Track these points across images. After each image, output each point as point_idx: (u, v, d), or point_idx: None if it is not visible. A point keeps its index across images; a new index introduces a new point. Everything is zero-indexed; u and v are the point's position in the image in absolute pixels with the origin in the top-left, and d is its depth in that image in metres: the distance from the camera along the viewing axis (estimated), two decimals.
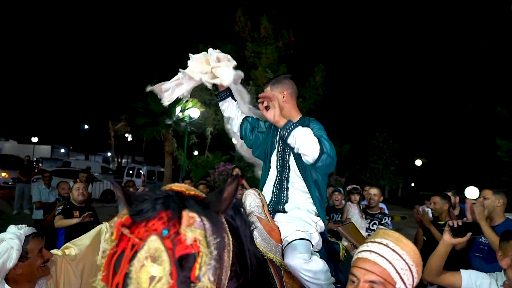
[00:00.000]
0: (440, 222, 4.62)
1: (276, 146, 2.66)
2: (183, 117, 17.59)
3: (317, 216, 2.54)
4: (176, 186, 1.28)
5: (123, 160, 45.41)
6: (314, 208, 2.55)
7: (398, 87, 26.80)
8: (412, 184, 40.25)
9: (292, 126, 2.34)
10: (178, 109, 18.01)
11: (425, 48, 26.12)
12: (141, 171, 21.68)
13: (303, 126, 2.49)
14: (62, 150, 49.63)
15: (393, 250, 1.25)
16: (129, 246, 1.09)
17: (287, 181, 2.57)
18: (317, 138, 2.33)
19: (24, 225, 2.26)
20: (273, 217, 2.46)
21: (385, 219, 5.55)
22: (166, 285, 1.01)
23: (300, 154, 2.34)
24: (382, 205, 6.35)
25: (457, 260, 4.29)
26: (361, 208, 5.95)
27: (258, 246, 2.06)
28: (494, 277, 2.48)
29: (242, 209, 1.53)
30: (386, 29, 26.20)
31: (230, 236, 1.28)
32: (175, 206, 1.15)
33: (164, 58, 29.23)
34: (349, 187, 6.65)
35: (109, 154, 46.38)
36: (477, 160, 26.72)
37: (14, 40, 29.33)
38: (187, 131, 17.51)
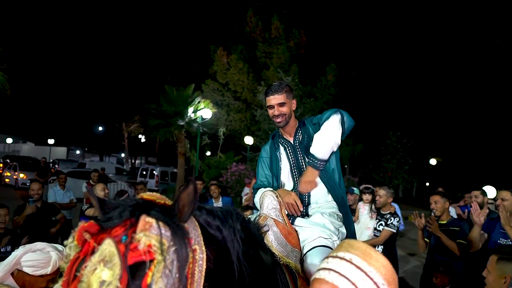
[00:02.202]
0: (441, 222, 4.58)
1: (283, 158, 2.65)
2: (196, 118, 17.69)
3: (340, 221, 2.51)
4: (147, 195, 1.26)
5: (137, 161, 45.86)
6: (337, 210, 2.53)
7: (411, 85, 26.53)
8: (427, 184, 39.79)
9: (313, 158, 2.32)
10: (191, 110, 18.13)
11: (439, 46, 25.81)
12: (154, 172, 21.88)
13: (304, 128, 2.62)
14: (78, 152, 50.38)
15: (358, 268, 1.01)
16: (89, 251, 1.09)
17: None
18: (333, 116, 2.37)
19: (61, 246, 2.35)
20: (292, 222, 2.40)
21: (391, 219, 5.44)
22: None
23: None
24: (394, 205, 6.31)
25: (474, 261, 4.26)
26: (372, 208, 5.88)
27: (273, 251, 2.04)
28: None
29: (230, 218, 1.50)
30: (398, 27, 25.97)
31: (202, 248, 1.26)
32: (139, 214, 1.13)
33: (176, 60, 29.46)
34: (361, 187, 6.61)
35: (122, 155, 46.91)
36: (493, 159, 26.29)
37: (30, 45, 29.86)
38: (200, 132, 17.61)
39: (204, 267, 1.25)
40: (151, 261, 1.05)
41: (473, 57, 24.10)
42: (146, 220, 1.11)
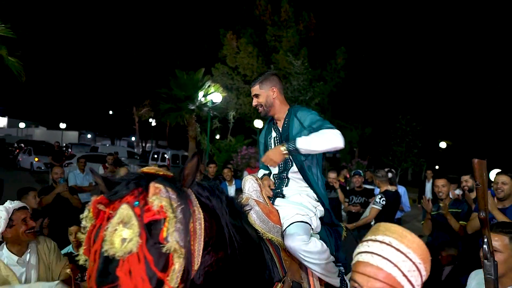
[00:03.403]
0: (442, 204, 4.78)
1: (272, 144, 2.80)
2: (206, 102, 17.88)
3: (317, 201, 2.67)
4: (147, 169, 1.48)
5: (147, 145, 46.34)
6: (314, 194, 2.67)
7: (421, 68, 26.30)
8: (436, 167, 39.70)
9: (294, 144, 2.43)
10: (201, 94, 18.30)
11: (450, 27, 25.47)
12: (165, 155, 22.21)
13: (289, 119, 2.68)
14: (89, 136, 51.02)
15: (398, 250, 1.10)
16: (105, 218, 1.24)
17: (287, 174, 2.71)
18: (326, 130, 2.46)
19: (16, 201, 2.95)
20: (273, 202, 2.59)
21: (378, 198, 5.92)
22: (136, 244, 1.16)
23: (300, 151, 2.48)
24: (401, 188, 7.15)
25: (471, 243, 4.46)
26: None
27: (256, 227, 2.23)
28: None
29: (217, 191, 1.72)
30: (408, 9, 25.63)
31: (199, 209, 1.47)
32: (144, 183, 1.33)
33: (185, 44, 29.47)
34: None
35: (133, 139, 47.39)
36: (503, 142, 26.15)
37: (42, 29, 30.04)
38: (210, 115, 17.80)
39: (203, 224, 1.48)
40: (164, 219, 1.24)
41: (484, 39, 23.78)
42: (155, 186, 1.30)
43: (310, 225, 2.48)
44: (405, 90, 26.62)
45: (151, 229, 1.22)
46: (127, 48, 32.73)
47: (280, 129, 2.77)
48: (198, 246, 1.43)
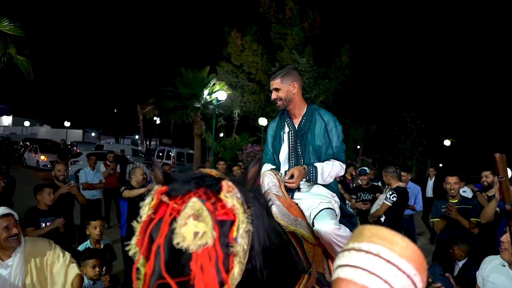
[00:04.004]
0: (453, 201, 4.83)
1: (285, 139, 2.82)
2: (211, 100, 17.91)
3: (334, 191, 2.74)
4: (206, 170, 1.40)
5: (151, 143, 46.48)
6: (331, 184, 2.75)
7: (426, 66, 26.28)
8: (441, 165, 39.69)
9: (314, 171, 2.59)
10: (206, 92, 18.35)
11: (455, 25, 25.42)
12: (170, 153, 22.27)
13: (312, 118, 2.73)
14: (93, 134, 51.16)
15: (388, 262, 0.87)
16: (168, 213, 1.17)
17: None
18: (337, 163, 2.66)
19: (0, 208, 2.93)
20: (292, 196, 2.62)
21: (388, 194, 5.92)
22: (211, 238, 1.10)
23: (315, 148, 2.68)
24: (416, 187, 7.38)
25: (485, 237, 4.51)
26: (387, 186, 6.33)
27: (279, 221, 2.19)
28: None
29: (257, 193, 1.58)
30: (413, 7, 25.59)
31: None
32: (212, 181, 1.27)
33: (190, 42, 29.52)
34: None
35: (137, 137, 47.52)
36: (508, 139, 26.10)
37: (46, 29, 30.15)
38: (215, 113, 17.85)
39: (251, 233, 1.37)
40: (235, 219, 1.19)
41: (490, 36, 23.72)
42: (229, 184, 1.26)
43: (335, 212, 2.55)
44: (410, 88, 26.61)
45: (222, 227, 1.17)
46: (132, 47, 32.82)
47: (296, 126, 2.77)
48: (246, 254, 1.34)
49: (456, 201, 4.85)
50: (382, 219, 5.91)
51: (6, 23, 10.06)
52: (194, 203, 1.15)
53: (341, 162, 2.69)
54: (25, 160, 24.05)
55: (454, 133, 30.47)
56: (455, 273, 4.18)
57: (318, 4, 23.03)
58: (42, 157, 21.88)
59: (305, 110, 2.78)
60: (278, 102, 2.73)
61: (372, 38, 25.18)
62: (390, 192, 5.88)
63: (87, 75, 36.83)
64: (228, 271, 1.17)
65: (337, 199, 2.74)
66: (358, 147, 27.29)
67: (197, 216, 1.13)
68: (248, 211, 1.27)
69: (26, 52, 11.11)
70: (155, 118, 36.23)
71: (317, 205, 2.48)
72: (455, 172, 5.24)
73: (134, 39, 32.63)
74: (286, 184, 2.58)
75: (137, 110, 38.88)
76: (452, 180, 4.88)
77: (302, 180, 2.68)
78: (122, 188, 5.64)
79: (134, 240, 1.20)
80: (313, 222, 2.41)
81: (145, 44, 32.34)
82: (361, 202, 6.93)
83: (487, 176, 5.61)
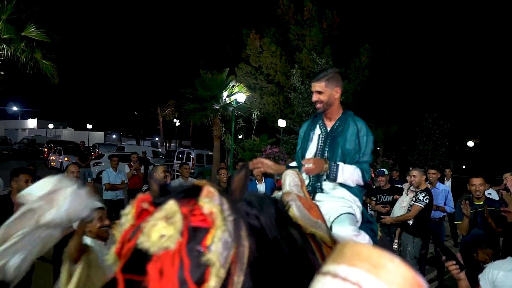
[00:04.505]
0: (478, 203, 4.75)
1: (314, 139, 2.83)
2: (230, 102, 18.03)
3: (356, 196, 2.68)
4: (198, 182, 1.32)
5: (171, 145, 47.00)
6: (355, 188, 2.70)
7: (448, 65, 25.81)
8: (464, 167, 38.90)
9: (336, 168, 2.58)
10: (225, 94, 18.48)
11: (477, 23, 24.91)
12: (190, 154, 22.49)
13: (345, 123, 2.73)
14: (114, 136, 52.10)
15: None
16: (147, 218, 1.12)
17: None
18: (359, 170, 2.63)
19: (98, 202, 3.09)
20: (313, 198, 2.58)
21: (419, 195, 5.78)
22: (175, 242, 1.03)
23: (344, 149, 2.68)
24: (446, 189, 7.01)
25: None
26: (411, 187, 6.21)
27: (299, 222, 2.10)
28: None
29: (266, 205, 1.52)
30: (435, 5, 25.19)
31: (245, 236, 1.28)
32: (197, 189, 1.21)
33: (209, 44, 29.76)
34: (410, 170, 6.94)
35: (156, 139, 48.15)
36: None
37: (69, 34, 30.90)
38: (234, 115, 17.96)
39: (246, 254, 1.28)
40: (211, 226, 1.11)
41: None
42: (209, 190, 1.19)
43: (356, 217, 2.51)
44: (432, 87, 26.17)
45: (195, 233, 1.09)
46: (152, 50, 33.29)
47: (328, 129, 2.79)
48: (238, 277, 1.21)
49: (481, 203, 4.77)
50: (410, 221, 5.81)
51: (32, 29, 10.39)
52: (170, 206, 1.11)
53: (364, 171, 2.66)
54: (49, 161, 24.67)
55: (478, 134, 29.83)
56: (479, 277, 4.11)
57: (337, 4, 22.92)
58: (66, 159, 22.41)
59: (340, 115, 2.80)
60: (318, 104, 2.74)
61: (391, 38, 24.89)
62: (424, 194, 5.75)
63: (108, 79, 37.54)
64: (200, 282, 1.06)
65: (359, 204, 2.70)
66: (378, 148, 26.99)
67: (168, 219, 1.08)
68: (231, 220, 1.18)
69: (51, 57, 11.42)
70: (174, 120, 36.63)
71: (337, 208, 2.45)
72: (479, 173, 5.15)
73: (155, 43, 33.10)
74: (303, 167, 2.55)
75: (157, 112, 39.39)
76: (477, 181, 4.80)
77: (323, 176, 2.67)
78: (145, 188, 5.75)
79: (113, 249, 1.14)
80: (331, 226, 2.37)
81: (164, 47, 32.76)
82: (380, 204, 6.87)
83: (507, 178, 5.48)
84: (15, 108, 52.90)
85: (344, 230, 2.30)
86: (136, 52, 34.13)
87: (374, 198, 7.07)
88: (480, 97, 26.23)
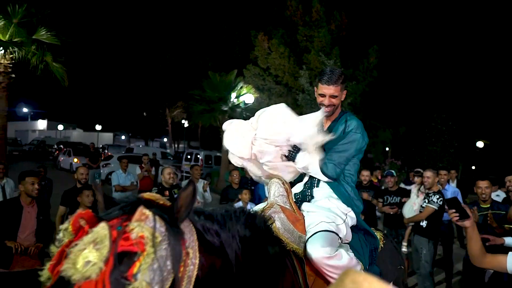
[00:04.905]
0: (485, 206, 4.72)
1: None
2: (239, 103, 18.11)
3: (350, 205, 2.45)
4: (148, 195, 1.31)
5: (180, 146, 47.21)
6: (347, 193, 2.48)
7: (457, 65, 25.62)
8: (473, 167, 38.53)
9: (295, 151, 2.40)
10: (233, 95, 18.54)
11: (484, 24, 24.69)
12: (199, 156, 22.59)
13: (340, 121, 2.58)
14: (123, 137, 52.46)
15: None
16: (83, 236, 1.09)
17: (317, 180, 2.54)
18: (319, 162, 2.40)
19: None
20: (299, 206, 2.38)
21: (432, 196, 5.73)
22: (98, 271, 0.99)
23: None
24: (456, 190, 7.04)
25: None
26: (421, 188, 6.18)
27: (280, 237, 2.00)
28: None
29: (231, 220, 1.50)
30: (443, 6, 25.02)
31: (196, 253, 1.27)
32: (134, 207, 1.17)
33: (217, 45, 29.86)
34: (414, 171, 6.88)
35: (165, 140, 48.37)
36: None
37: (78, 36, 31.21)
38: (243, 116, 18.01)
39: (195, 274, 1.25)
40: (141, 252, 1.06)
41: None
42: (142, 212, 1.14)
43: (338, 235, 2.20)
44: (440, 88, 26.00)
45: (123, 260, 1.04)
46: (160, 51, 33.49)
47: (325, 129, 2.63)
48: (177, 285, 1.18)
49: (487, 206, 4.74)
50: (424, 224, 5.78)
51: (43, 32, 10.51)
52: (101, 229, 1.06)
53: (325, 169, 2.40)
54: (59, 162, 24.91)
55: (488, 134, 29.54)
56: (486, 279, 4.10)
57: (345, 5, 22.85)
58: (75, 160, 22.61)
59: (338, 114, 2.67)
60: (329, 108, 2.56)
61: (400, 39, 24.77)
62: (438, 196, 5.71)
63: (117, 80, 37.84)
64: None
65: (352, 215, 2.45)
66: (387, 149, 26.87)
67: (96, 244, 1.03)
68: (164, 244, 1.12)
69: (61, 59, 11.53)
70: (183, 121, 36.84)
71: (316, 224, 2.17)
72: (486, 176, 5.11)
73: (163, 44, 33.29)
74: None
75: (166, 114, 39.62)
76: (483, 184, 4.76)
77: (314, 184, 2.51)
78: (155, 190, 5.81)
79: (47, 265, 1.10)
80: (306, 243, 2.11)
81: (173, 49, 32.94)
82: (388, 206, 6.84)
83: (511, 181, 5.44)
84: (25, 110, 53.50)
85: (315, 251, 2.04)
86: (145, 53, 34.37)
87: (381, 200, 7.04)
88: (489, 98, 26.00)
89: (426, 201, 5.76)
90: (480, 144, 29.14)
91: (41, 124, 55.56)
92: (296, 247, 2.03)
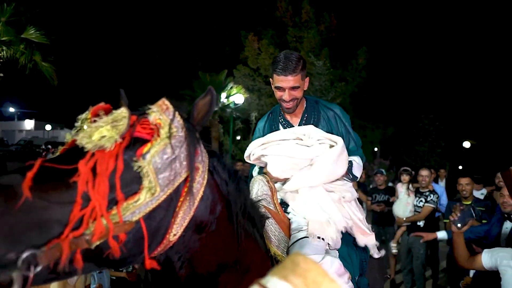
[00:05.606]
0: (466, 203, 4.87)
1: None
2: (228, 103, 18.16)
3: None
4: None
5: None
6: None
7: (444, 67, 26.00)
8: (460, 167, 39.07)
9: (351, 167, 2.14)
10: (223, 95, 18.59)
11: (472, 27, 25.10)
12: None
13: (316, 111, 2.26)
14: None
15: None
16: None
17: None
18: (360, 158, 2.22)
19: None
20: (285, 210, 2.08)
21: (430, 196, 5.81)
22: (113, 143, 0.97)
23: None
24: (440, 189, 6.97)
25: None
26: (410, 187, 6.22)
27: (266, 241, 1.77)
28: None
29: (241, 180, 1.39)
30: (431, 9, 25.37)
31: (205, 174, 1.19)
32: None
33: (207, 46, 29.85)
34: (401, 169, 6.94)
35: None
36: None
37: (67, 34, 30.98)
38: (233, 116, 18.06)
39: (200, 194, 1.17)
40: (155, 136, 1.04)
41: (510, 38, 23.36)
42: (165, 102, 1.10)
43: (325, 241, 1.93)
44: (428, 89, 26.38)
45: (136, 142, 1.02)
46: (150, 52, 33.36)
47: (296, 126, 2.24)
48: (184, 213, 1.11)
49: (469, 202, 4.88)
50: (421, 223, 5.79)
51: (32, 31, 10.46)
52: (120, 111, 1.04)
53: (362, 158, 2.27)
54: None
55: (474, 134, 30.00)
56: (471, 274, 4.20)
57: (334, 7, 23.04)
58: None
59: (305, 105, 2.28)
60: (291, 103, 2.16)
61: (388, 40, 25.05)
62: (436, 195, 5.80)
63: (105, 80, 37.59)
64: (130, 193, 0.99)
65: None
66: (376, 149, 27.15)
67: (114, 121, 1.01)
68: (180, 138, 1.07)
69: (50, 59, 11.47)
70: None
71: (300, 229, 1.92)
72: (467, 173, 5.24)
73: (153, 44, 33.18)
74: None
75: None
76: (463, 181, 4.91)
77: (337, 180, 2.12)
78: None
79: (59, 149, 1.11)
80: (288, 250, 1.86)
81: (163, 49, 32.83)
82: (376, 204, 6.94)
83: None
84: (11, 109, 52.82)
85: None
86: (135, 53, 34.22)
87: (370, 198, 7.13)
88: (475, 99, 26.42)
89: (424, 201, 5.82)
90: (466, 144, 29.59)
91: (28, 124, 54.84)
92: (278, 252, 1.78)
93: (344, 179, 2.14)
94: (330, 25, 22.52)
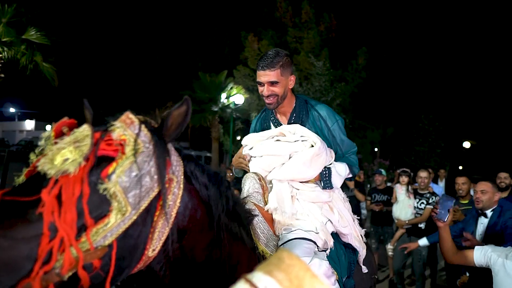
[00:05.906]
0: (463, 202, 4.91)
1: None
2: (229, 104, 18.20)
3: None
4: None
5: None
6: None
7: (444, 67, 26.04)
8: (460, 167, 39.08)
9: (328, 174, 2.11)
10: (223, 96, 18.63)
11: (473, 27, 25.13)
12: None
13: (304, 112, 2.25)
14: None
15: None
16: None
17: None
18: (347, 165, 2.22)
19: None
20: None
21: (432, 198, 5.82)
22: (77, 166, 0.92)
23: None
24: (438, 188, 7.02)
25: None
26: (409, 189, 6.23)
27: (255, 239, 1.76)
28: (508, 251, 2.50)
29: (222, 182, 1.37)
30: (431, 9, 25.41)
31: (180, 184, 1.16)
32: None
33: (207, 46, 29.92)
34: (399, 170, 6.94)
35: None
36: None
37: (69, 38, 31.03)
38: (233, 117, 18.10)
39: (177, 205, 1.14)
40: (121, 155, 1.00)
41: (508, 37, 23.39)
42: (129, 116, 1.09)
43: (315, 242, 1.90)
44: (428, 90, 26.43)
45: (102, 162, 0.97)
46: (150, 52, 33.42)
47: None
48: (162, 227, 1.08)
49: (466, 201, 4.92)
50: (423, 225, 5.80)
51: (33, 32, 10.50)
52: (83, 130, 1.01)
53: (352, 165, 2.24)
54: None
55: (474, 135, 30.03)
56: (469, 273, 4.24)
57: (334, 7, 23.08)
58: None
59: (294, 105, 2.27)
60: (271, 99, 2.16)
61: (388, 40, 25.09)
62: (437, 196, 5.79)
63: (106, 81, 37.64)
64: (99, 218, 0.95)
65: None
66: (376, 149, 27.18)
67: (77, 142, 0.97)
68: (146, 155, 1.03)
69: (51, 59, 11.50)
70: None
71: (291, 230, 1.89)
72: (464, 172, 5.27)
73: (153, 45, 33.24)
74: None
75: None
76: (460, 180, 4.95)
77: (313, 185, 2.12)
78: None
79: (24, 171, 1.05)
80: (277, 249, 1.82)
81: (163, 50, 32.89)
82: (374, 204, 6.98)
83: (506, 178, 5.58)
84: (12, 110, 52.85)
85: None
86: (135, 54, 34.27)
87: (369, 198, 7.18)
88: (475, 99, 26.46)
89: (425, 203, 5.83)
90: (466, 144, 29.61)
91: (29, 124, 54.91)
92: (266, 250, 1.75)
93: (316, 183, 2.13)
94: (330, 26, 22.56)
